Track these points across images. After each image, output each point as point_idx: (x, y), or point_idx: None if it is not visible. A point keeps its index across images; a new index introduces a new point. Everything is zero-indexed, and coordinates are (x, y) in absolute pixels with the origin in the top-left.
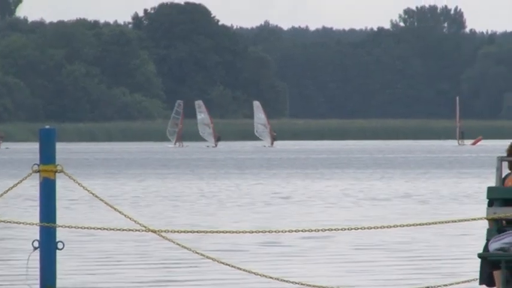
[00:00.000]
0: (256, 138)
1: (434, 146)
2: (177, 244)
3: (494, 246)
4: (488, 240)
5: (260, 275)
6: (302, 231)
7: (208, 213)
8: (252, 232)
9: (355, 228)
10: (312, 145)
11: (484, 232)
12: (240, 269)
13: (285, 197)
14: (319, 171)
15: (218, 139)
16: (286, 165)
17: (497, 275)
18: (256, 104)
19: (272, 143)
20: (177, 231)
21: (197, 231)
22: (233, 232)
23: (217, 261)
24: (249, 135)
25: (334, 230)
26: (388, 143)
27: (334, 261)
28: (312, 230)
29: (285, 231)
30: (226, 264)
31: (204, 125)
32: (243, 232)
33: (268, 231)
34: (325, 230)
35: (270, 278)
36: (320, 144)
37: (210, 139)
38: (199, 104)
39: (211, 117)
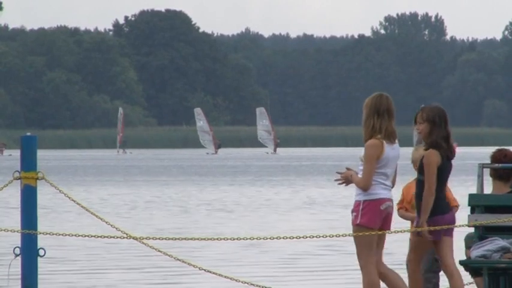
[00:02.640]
0: (238, 145)
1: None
2: (161, 252)
3: (475, 253)
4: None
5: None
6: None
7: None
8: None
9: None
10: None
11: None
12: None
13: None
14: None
15: (219, 146)
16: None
17: (479, 282)
18: (261, 110)
19: (275, 150)
20: (159, 238)
21: (175, 238)
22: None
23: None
24: (229, 141)
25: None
26: None
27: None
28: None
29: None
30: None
31: (203, 132)
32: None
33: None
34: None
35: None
36: (306, 152)
37: (210, 146)
38: (198, 111)
39: (210, 124)
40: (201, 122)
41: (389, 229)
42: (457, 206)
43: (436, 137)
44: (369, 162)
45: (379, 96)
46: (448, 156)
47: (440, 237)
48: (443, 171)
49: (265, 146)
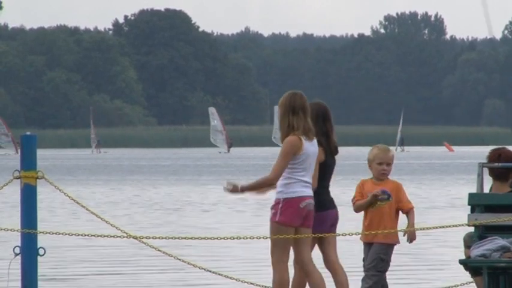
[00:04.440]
0: (236, 145)
1: (417, 152)
2: (161, 251)
3: (475, 252)
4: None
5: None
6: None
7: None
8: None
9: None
10: None
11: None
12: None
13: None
14: None
15: (230, 145)
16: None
17: (479, 281)
18: (276, 109)
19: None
20: (159, 238)
21: (179, 238)
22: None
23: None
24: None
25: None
26: (367, 150)
27: None
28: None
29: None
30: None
31: (216, 132)
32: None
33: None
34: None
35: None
36: None
37: (222, 145)
38: (212, 111)
39: (223, 124)
40: (215, 122)
41: (310, 226)
42: (411, 208)
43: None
44: (283, 157)
45: (293, 94)
46: (331, 152)
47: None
48: (326, 168)
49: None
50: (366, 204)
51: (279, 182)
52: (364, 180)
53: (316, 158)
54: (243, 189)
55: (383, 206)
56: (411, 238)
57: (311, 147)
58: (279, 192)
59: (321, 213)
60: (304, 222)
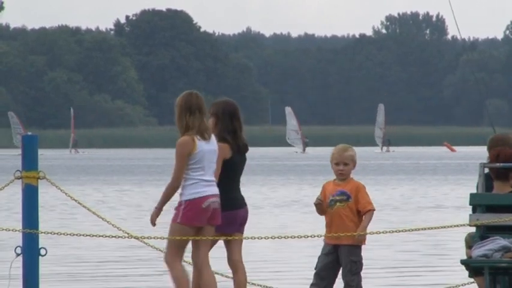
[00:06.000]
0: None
1: (418, 153)
2: (162, 251)
3: (477, 252)
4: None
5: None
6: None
7: None
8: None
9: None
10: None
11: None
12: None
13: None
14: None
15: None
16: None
17: (480, 281)
18: (288, 110)
19: (304, 149)
20: (160, 238)
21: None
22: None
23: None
24: None
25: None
26: (369, 150)
27: None
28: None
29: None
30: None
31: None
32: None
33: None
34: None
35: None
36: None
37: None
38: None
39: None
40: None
41: (217, 224)
42: (368, 210)
43: (220, 131)
44: (178, 160)
45: (190, 94)
46: (239, 150)
47: (232, 233)
48: (233, 165)
49: (293, 146)
50: (318, 209)
51: (182, 184)
52: (328, 182)
53: (218, 155)
54: (159, 209)
55: (342, 207)
56: (359, 241)
57: (207, 146)
58: (180, 194)
59: (230, 212)
60: (209, 221)
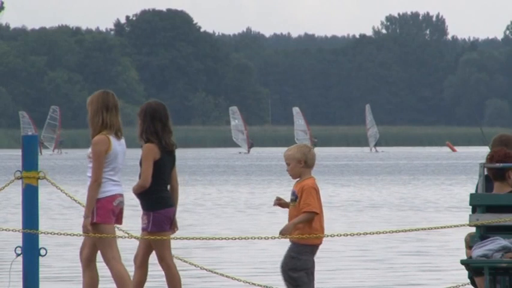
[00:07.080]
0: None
1: (420, 153)
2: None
3: (477, 253)
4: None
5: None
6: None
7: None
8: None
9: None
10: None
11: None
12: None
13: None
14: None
15: (251, 145)
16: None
17: (480, 281)
18: (296, 110)
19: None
20: (160, 238)
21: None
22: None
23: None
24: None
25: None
26: (369, 150)
27: None
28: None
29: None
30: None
31: (237, 131)
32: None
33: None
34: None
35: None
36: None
37: (243, 145)
38: (233, 109)
39: (245, 123)
40: (236, 121)
41: (121, 224)
42: (304, 212)
43: (142, 132)
44: (97, 159)
45: (106, 93)
46: (166, 150)
47: (165, 232)
48: (162, 165)
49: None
50: (283, 207)
51: (89, 183)
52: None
53: (148, 156)
54: (87, 215)
55: (293, 207)
56: (282, 232)
57: (119, 146)
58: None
59: (160, 211)
60: (116, 220)
